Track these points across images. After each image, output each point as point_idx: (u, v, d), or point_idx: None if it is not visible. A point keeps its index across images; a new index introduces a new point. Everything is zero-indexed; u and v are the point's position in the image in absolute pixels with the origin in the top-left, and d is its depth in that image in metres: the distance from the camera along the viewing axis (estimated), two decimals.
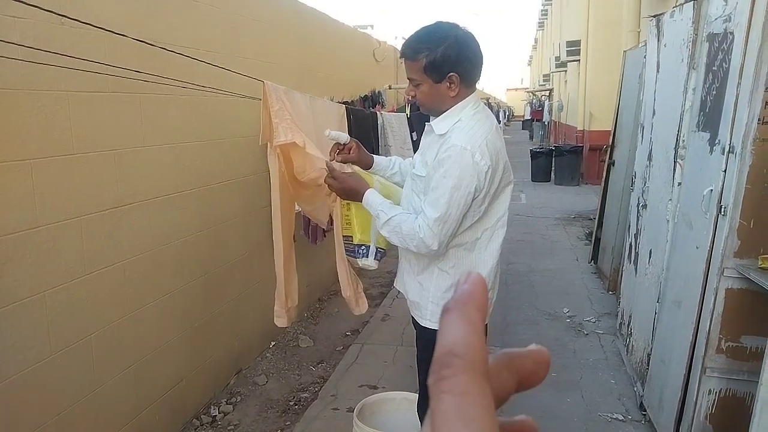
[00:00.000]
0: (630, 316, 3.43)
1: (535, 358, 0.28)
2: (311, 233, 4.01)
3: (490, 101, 27.40)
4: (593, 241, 5.51)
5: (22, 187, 1.95)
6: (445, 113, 1.80)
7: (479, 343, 0.24)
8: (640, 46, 4.53)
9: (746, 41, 2.06)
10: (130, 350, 2.49)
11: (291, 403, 3.15)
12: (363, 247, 2.04)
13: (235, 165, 3.32)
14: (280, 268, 2.57)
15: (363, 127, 4.45)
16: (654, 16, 3.38)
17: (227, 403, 3.13)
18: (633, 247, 3.51)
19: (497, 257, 1.89)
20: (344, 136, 2.00)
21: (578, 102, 11.75)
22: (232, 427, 2.93)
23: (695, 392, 2.28)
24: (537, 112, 23.42)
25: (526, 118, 30.70)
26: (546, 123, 20.20)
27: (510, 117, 43.01)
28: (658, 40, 3.22)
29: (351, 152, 2.00)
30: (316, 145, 2.30)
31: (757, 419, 1.81)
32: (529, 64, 44.24)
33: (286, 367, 3.56)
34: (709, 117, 2.38)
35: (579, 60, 11.57)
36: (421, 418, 2.06)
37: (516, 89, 60.85)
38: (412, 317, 2.01)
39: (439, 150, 1.75)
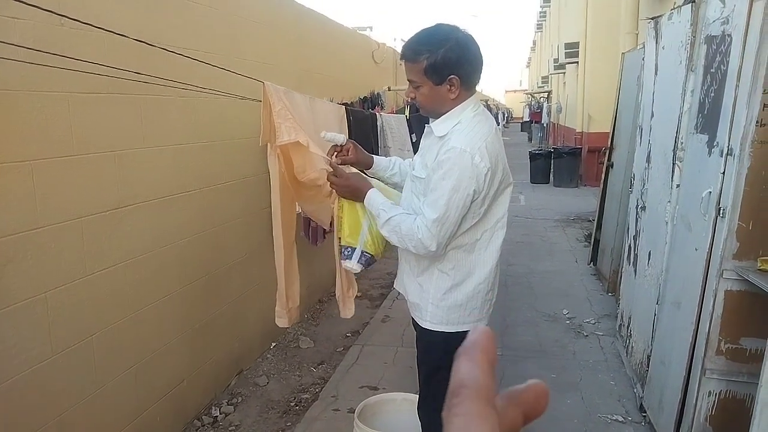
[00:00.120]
0: (629, 318, 3.44)
1: (534, 390, 0.31)
2: (311, 234, 4.01)
3: (488, 103, 27.43)
4: (592, 243, 5.52)
5: (23, 188, 1.95)
6: (444, 115, 1.81)
7: (484, 377, 0.29)
8: (638, 48, 4.55)
9: (744, 43, 2.07)
10: (131, 351, 2.50)
11: (292, 404, 3.15)
12: (348, 249, 2.03)
13: (236, 166, 3.32)
14: (280, 269, 2.58)
15: (362, 128, 4.46)
16: (652, 19, 3.39)
17: (228, 404, 3.13)
18: (632, 249, 3.52)
19: (497, 258, 1.89)
20: (340, 138, 2.00)
21: (577, 104, 11.77)
22: (233, 427, 2.93)
23: (695, 394, 2.29)
24: (536, 114, 23.45)
25: (524, 120, 30.75)
26: (545, 125, 20.22)
27: (509, 119, 43.08)
28: (657, 43, 3.23)
29: (349, 153, 2.00)
30: (316, 146, 2.31)
31: (757, 421, 1.82)
32: (527, 66, 44.27)
33: (287, 368, 3.56)
34: (708, 119, 2.39)
35: (577, 62, 11.58)
36: (422, 419, 2.07)
37: (515, 91, 60.95)
38: (412, 318, 2.02)
39: (439, 152, 1.75)
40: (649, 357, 2.90)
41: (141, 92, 2.45)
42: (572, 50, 11.64)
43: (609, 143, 5.06)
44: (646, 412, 2.87)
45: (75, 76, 2.07)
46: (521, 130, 30.51)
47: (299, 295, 2.72)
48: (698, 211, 2.34)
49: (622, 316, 3.67)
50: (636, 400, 3.03)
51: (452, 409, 0.27)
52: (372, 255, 2.02)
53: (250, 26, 3.49)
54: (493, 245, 1.87)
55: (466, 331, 0.40)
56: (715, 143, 2.27)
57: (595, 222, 5.44)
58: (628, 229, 3.68)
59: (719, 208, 2.17)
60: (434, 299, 1.89)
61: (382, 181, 2.15)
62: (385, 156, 2.73)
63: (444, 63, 1.72)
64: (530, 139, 23.74)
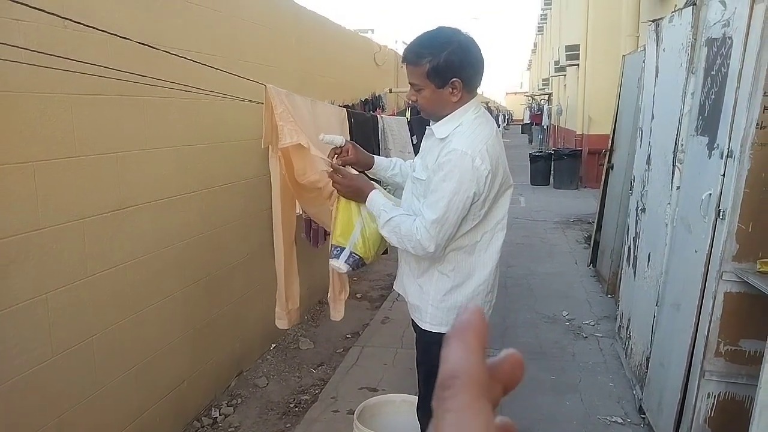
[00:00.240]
0: (629, 320, 3.44)
1: (510, 361, 0.30)
2: (312, 236, 4.02)
3: (489, 105, 27.45)
4: (592, 245, 5.52)
5: (25, 189, 1.96)
6: (446, 117, 1.81)
7: (477, 365, 0.27)
8: (639, 50, 4.56)
9: (745, 46, 2.08)
10: (131, 352, 2.50)
11: (291, 405, 3.15)
12: (337, 248, 2.03)
13: (237, 168, 3.33)
14: (280, 270, 2.58)
15: (364, 130, 4.46)
16: (653, 21, 3.40)
17: (228, 405, 3.14)
18: (632, 251, 3.52)
19: (497, 260, 1.90)
20: (339, 139, 2.00)
21: (577, 106, 11.78)
22: (233, 429, 2.94)
23: (694, 395, 2.29)
24: (536, 116, 23.45)
25: (525, 122, 30.76)
26: (545, 127, 20.23)
27: (509, 121, 43.07)
28: (657, 45, 3.24)
29: (348, 154, 2.01)
30: (317, 148, 2.32)
31: (756, 422, 1.82)
32: (528, 68, 44.29)
33: (287, 370, 3.57)
34: (708, 121, 2.39)
35: (578, 64, 11.59)
36: (421, 421, 2.07)
37: (515, 93, 60.92)
38: (412, 320, 2.02)
39: (440, 154, 1.76)
40: (648, 358, 2.90)
41: (143, 94, 2.46)
42: (573, 52, 11.64)
43: (609, 145, 5.07)
44: (645, 414, 2.87)
45: (77, 78, 2.08)
46: (522, 132, 30.52)
47: (299, 296, 2.73)
48: (698, 213, 2.34)
49: (621, 318, 3.68)
50: (635, 401, 3.03)
51: (444, 402, 0.25)
52: (361, 257, 2.00)
53: (252, 28, 3.50)
54: (493, 247, 1.87)
55: None
56: (715, 145, 2.28)
57: (595, 224, 5.44)
58: (628, 230, 3.68)
59: (719, 210, 2.18)
60: (434, 301, 1.90)
61: (384, 181, 2.16)
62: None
63: (446, 66, 1.72)
64: (530, 141, 23.76)
